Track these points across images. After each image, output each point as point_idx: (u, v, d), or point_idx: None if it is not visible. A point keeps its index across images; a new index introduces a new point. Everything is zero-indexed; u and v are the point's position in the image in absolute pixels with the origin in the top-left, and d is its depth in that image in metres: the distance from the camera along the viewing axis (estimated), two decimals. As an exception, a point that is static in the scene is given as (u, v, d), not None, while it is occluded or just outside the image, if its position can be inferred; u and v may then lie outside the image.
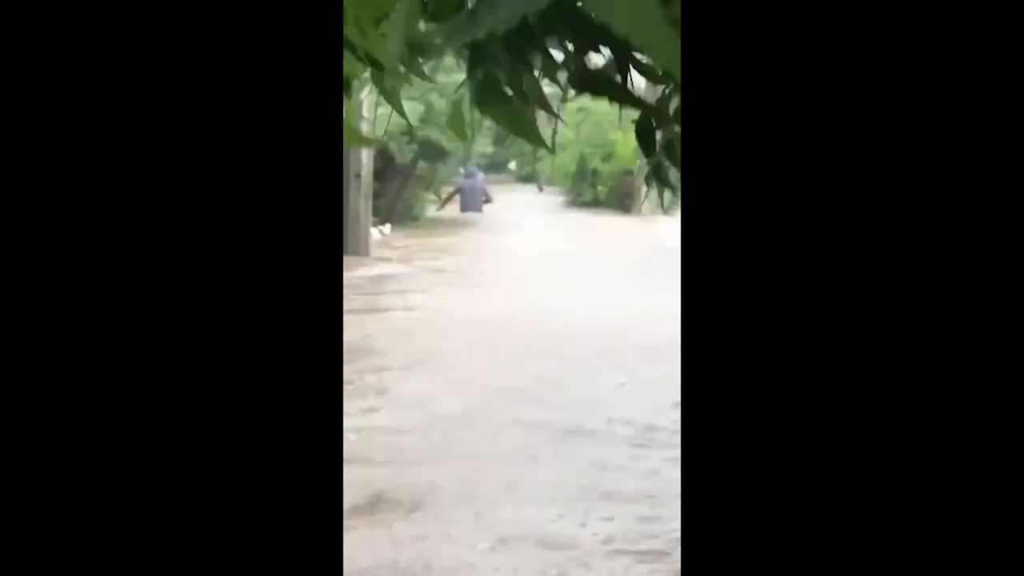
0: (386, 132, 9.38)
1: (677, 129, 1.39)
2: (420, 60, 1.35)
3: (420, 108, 10.13)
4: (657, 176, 1.54)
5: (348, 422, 3.16)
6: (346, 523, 2.22)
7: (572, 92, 1.35)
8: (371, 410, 3.63)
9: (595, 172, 15.05)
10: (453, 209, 13.56)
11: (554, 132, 1.45)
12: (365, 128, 7.83)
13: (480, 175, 15.13)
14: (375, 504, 2.72)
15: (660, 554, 2.44)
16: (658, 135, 1.44)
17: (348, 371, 3.79)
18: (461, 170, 13.83)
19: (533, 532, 2.56)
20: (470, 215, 13.42)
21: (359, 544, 2.40)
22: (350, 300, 5.80)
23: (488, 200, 14.21)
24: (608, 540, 2.54)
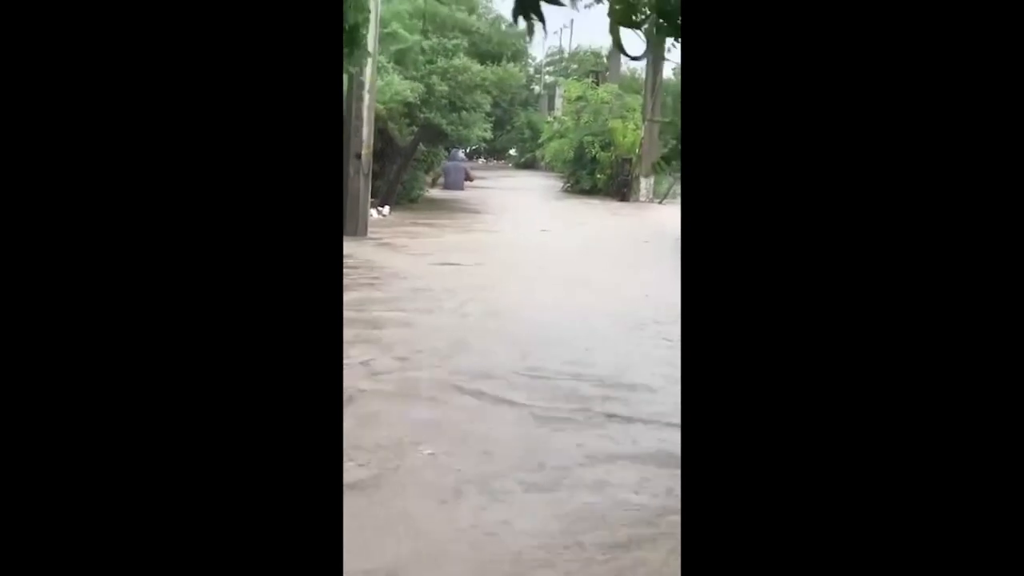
0: (385, 105, 9.41)
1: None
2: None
3: (421, 89, 10.17)
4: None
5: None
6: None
7: None
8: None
9: (594, 159, 15.12)
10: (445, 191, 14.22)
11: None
12: (366, 103, 7.91)
13: (462, 155, 16.30)
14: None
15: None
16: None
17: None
18: (446, 152, 14.13)
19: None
20: (454, 193, 14.12)
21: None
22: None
23: (469, 179, 15.22)
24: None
